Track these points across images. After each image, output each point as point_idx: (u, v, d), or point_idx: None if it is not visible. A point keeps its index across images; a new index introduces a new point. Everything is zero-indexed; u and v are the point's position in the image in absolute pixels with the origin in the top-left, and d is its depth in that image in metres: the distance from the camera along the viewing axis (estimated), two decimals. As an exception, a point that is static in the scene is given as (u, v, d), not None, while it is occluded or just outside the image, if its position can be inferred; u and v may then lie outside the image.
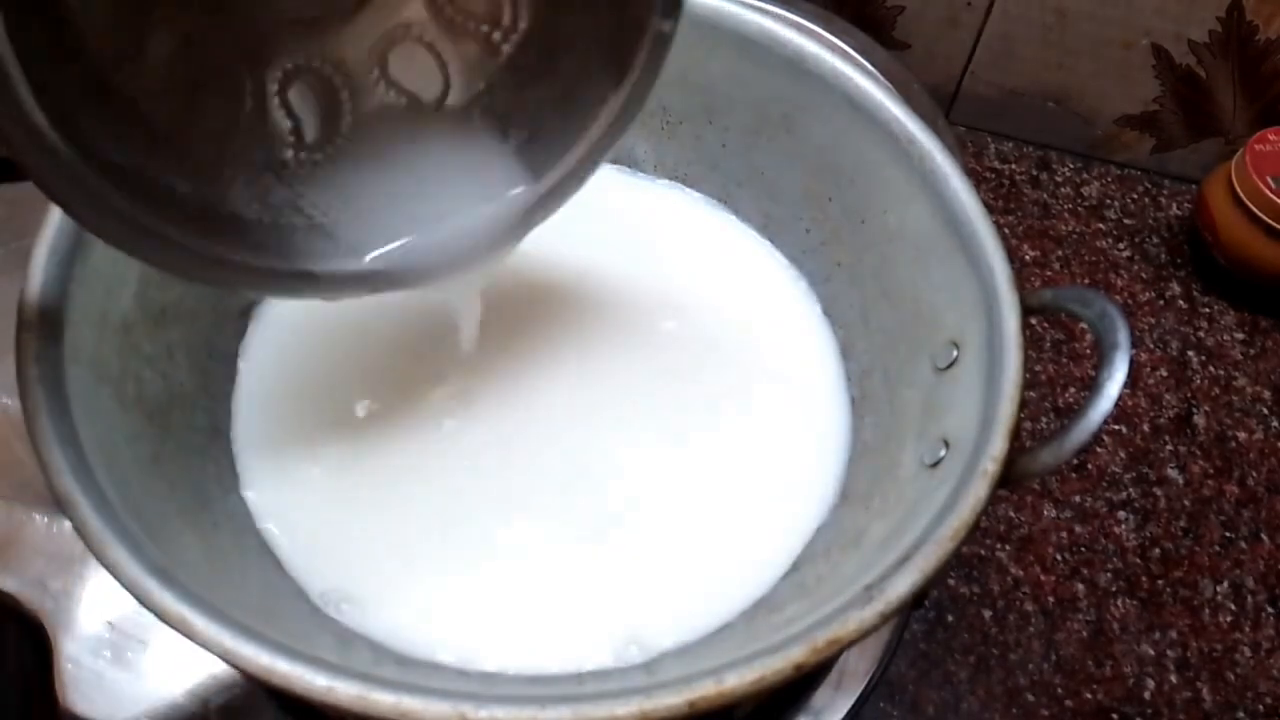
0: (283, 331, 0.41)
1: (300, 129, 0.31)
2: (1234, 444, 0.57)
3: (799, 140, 0.42)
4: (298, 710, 0.39)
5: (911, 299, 0.38)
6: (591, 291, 0.43)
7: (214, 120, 0.30)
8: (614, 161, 0.46)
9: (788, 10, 0.54)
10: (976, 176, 0.67)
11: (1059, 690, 0.48)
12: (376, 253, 0.32)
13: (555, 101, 0.33)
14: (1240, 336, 0.62)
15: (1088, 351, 0.60)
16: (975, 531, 0.28)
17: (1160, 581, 0.52)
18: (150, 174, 0.28)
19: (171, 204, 0.28)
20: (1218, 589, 0.52)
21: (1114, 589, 0.51)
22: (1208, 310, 0.63)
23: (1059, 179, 0.69)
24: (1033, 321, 0.59)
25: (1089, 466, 0.55)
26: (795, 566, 0.36)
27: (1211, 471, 0.56)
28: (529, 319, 0.42)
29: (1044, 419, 0.57)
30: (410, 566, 0.35)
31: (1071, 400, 0.58)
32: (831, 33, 0.58)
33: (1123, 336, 0.29)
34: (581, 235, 0.44)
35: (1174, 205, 0.68)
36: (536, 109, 0.33)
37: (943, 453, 0.32)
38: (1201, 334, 0.62)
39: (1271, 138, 0.60)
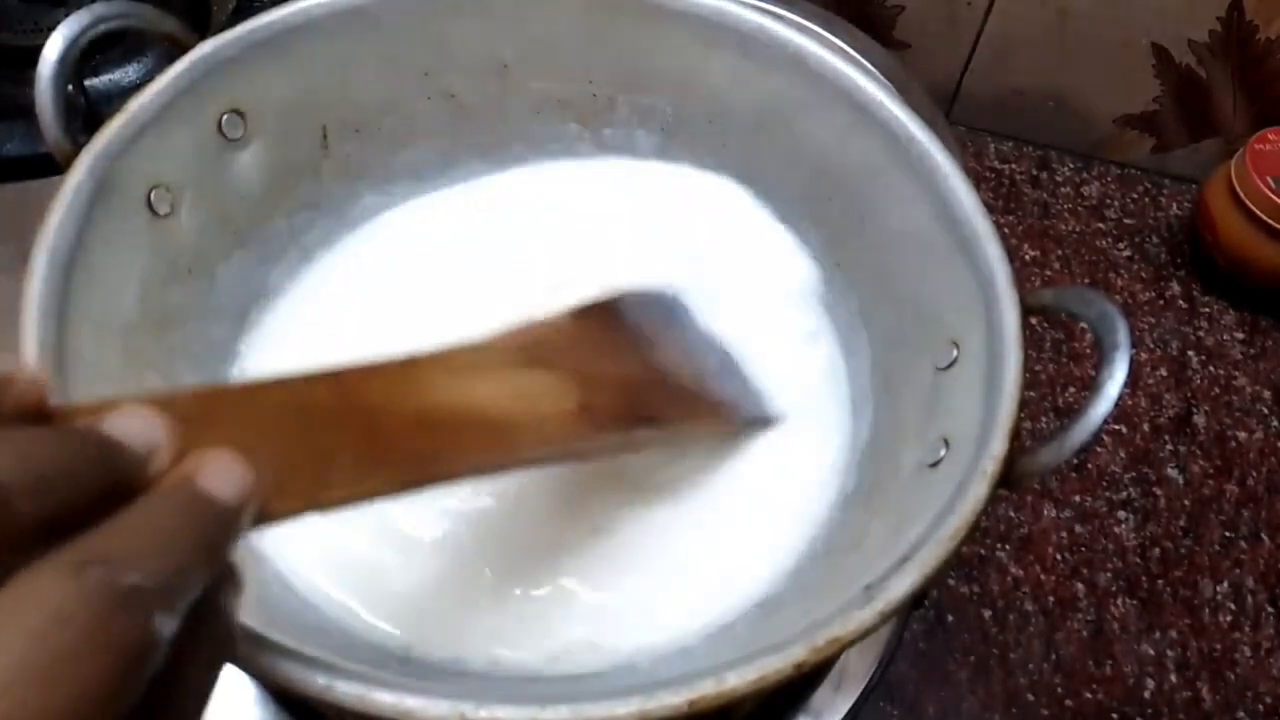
0: (283, 334, 0.41)
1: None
2: (1234, 444, 0.57)
3: (799, 140, 0.42)
4: (298, 710, 0.39)
5: (912, 299, 0.38)
6: (589, 292, 0.43)
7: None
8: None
9: (788, 10, 0.54)
10: (976, 176, 0.67)
11: (1059, 690, 0.48)
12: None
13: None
14: (1240, 336, 0.62)
15: (1088, 351, 0.60)
16: (975, 531, 0.28)
17: (1160, 581, 0.52)
18: None
19: None
20: (1218, 589, 0.52)
21: (1114, 589, 0.51)
22: (1208, 310, 0.63)
23: (1059, 179, 0.69)
24: (1033, 321, 0.59)
25: (1089, 466, 0.55)
26: (796, 566, 0.36)
27: (1211, 471, 0.56)
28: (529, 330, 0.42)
29: (1044, 419, 0.57)
30: (409, 568, 0.35)
31: (1071, 400, 0.58)
32: (831, 33, 0.58)
33: (1123, 337, 0.29)
34: (580, 236, 0.44)
35: (1174, 205, 0.68)
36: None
37: (943, 453, 0.32)
38: (1201, 334, 0.62)
39: (1271, 138, 0.60)
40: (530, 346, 0.31)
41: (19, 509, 0.15)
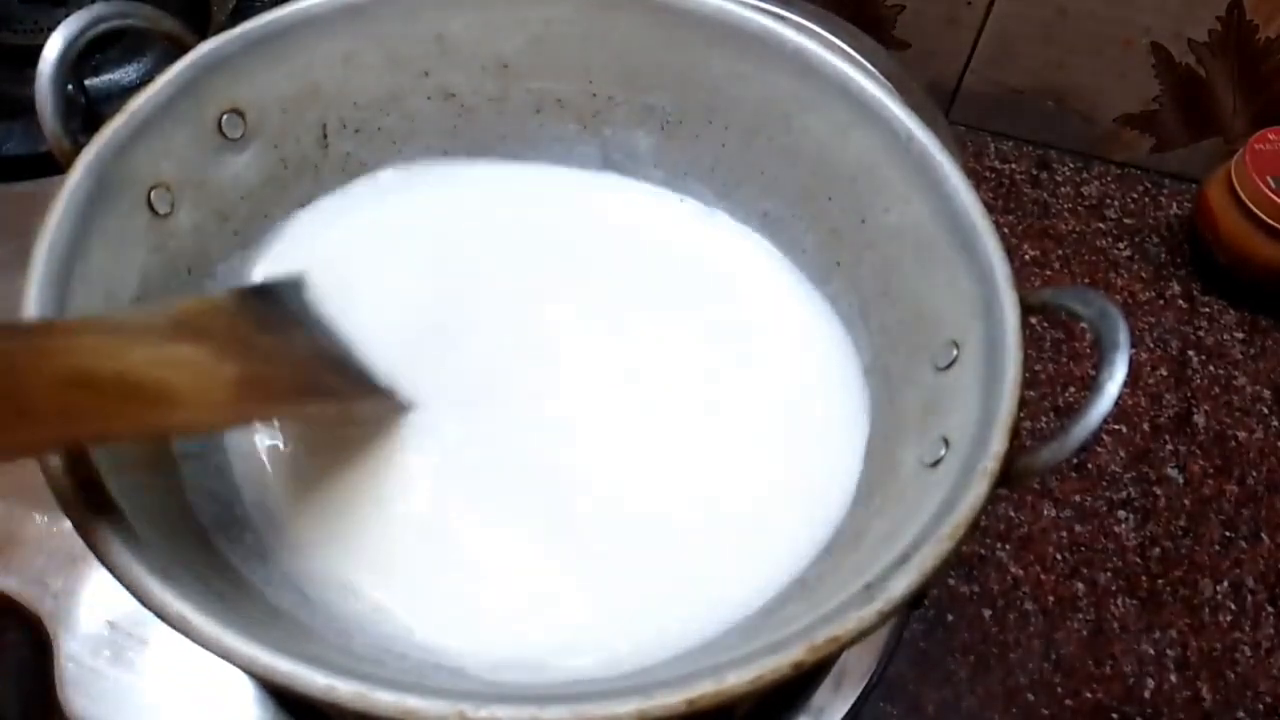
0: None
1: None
2: (1234, 443, 0.57)
3: (799, 139, 0.42)
4: (298, 709, 0.39)
5: (911, 298, 0.38)
6: (589, 293, 0.43)
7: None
8: (612, 163, 0.46)
9: (788, 10, 0.54)
10: (976, 176, 0.67)
11: (1059, 689, 0.48)
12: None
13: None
14: (1240, 336, 0.62)
15: (1088, 351, 0.60)
16: (975, 530, 0.28)
17: (1160, 581, 0.52)
18: None
19: None
20: (1218, 588, 0.52)
21: (1114, 588, 0.51)
22: (1208, 310, 0.63)
23: (1059, 178, 0.69)
24: (1033, 321, 0.59)
25: (1089, 466, 0.55)
26: (795, 568, 0.36)
27: (1211, 471, 0.56)
28: (525, 320, 0.41)
29: (1044, 419, 0.57)
30: (401, 569, 0.35)
31: (1071, 400, 0.58)
32: (831, 32, 0.58)
33: (1122, 336, 0.29)
34: (579, 235, 0.44)
35: (1174, 205, 0.68)
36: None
37: (942, 452, 0.32)
38: (1201, 334, 0.62)
39: (1271, 137, 0.60)
40: (182, 318, 0.31)
41: None
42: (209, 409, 0.29)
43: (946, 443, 0.32)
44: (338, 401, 0.36)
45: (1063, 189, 0.68)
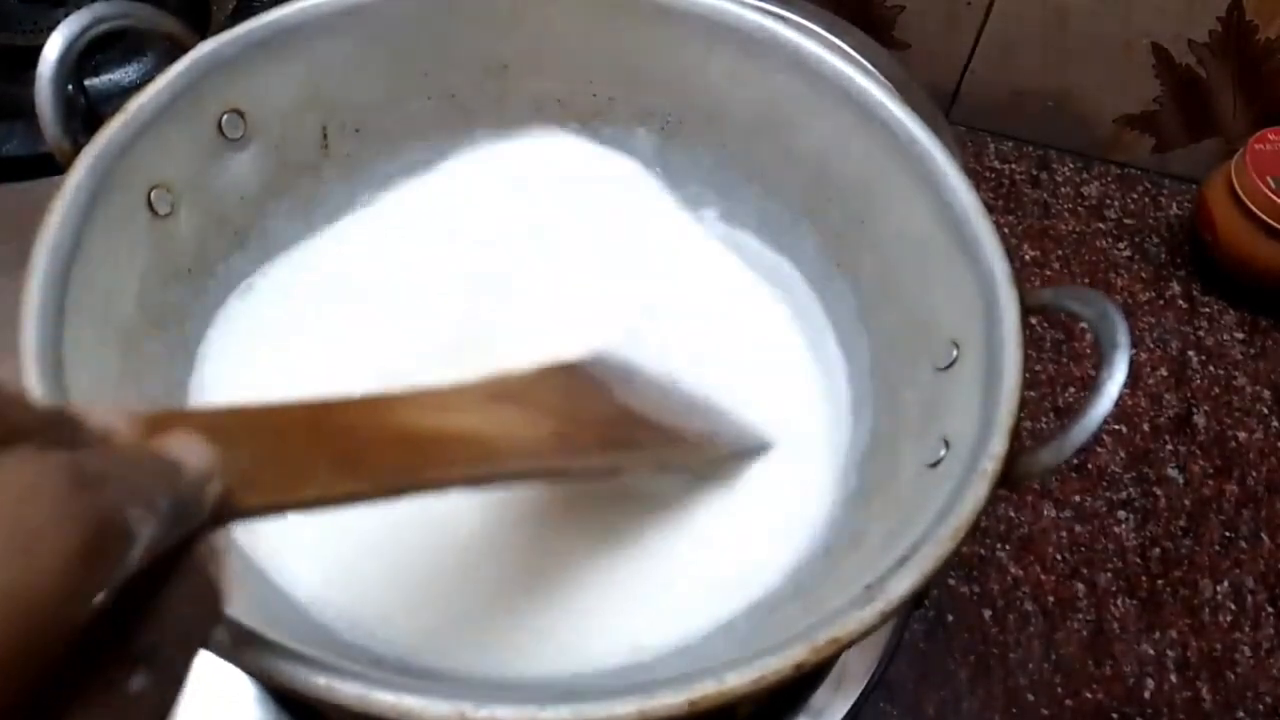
0: (255, 331, 0.40)
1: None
2: (1234, 444, 0.57)
3: (799, 141, 0.42)
4: (298, 710, 0.39)
5: (912, 299, 0.38)
6: (589, 294, 0.43)
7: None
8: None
9: (788, 10, 0.54)
10: (976, 176, 0.67)
11: (1059, 690, 0.48)
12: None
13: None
14: (1240, 336, 0.62)
15: (1088, 351, 0.60)
16: (975, 531, 0.28)
17: (1160, 581, 0.52)
18: None
19: None
20: (1218, 589, 0.52)
21: (1114, 589, 0.51)
22: (1208, 310, 0.63)
23: (1059, 179, 0.69)
24: (1033, 321, 0.59)
25: (1089, 466, 0.55)
26: (795, 567, 0.36)
27: (1211, 471, 0.56)
28: (527, 323, 0.41)
29: (1044, 419, 0.57)
30: (403, 572, 0.35)
31: (1071, 400, 0.58)
32: (832, 33, 0.58)
33: (1123, 336, 0.29)
34: (580, 236, 0.44)
35: (1174, 205, 0.68)
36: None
37: (943, 453, 0.32)
38: (1201, 334, 0.62)
39: (1271, 138, 0.60)
40: (499, 389, 0.33)
41: None
42: (523, 458, 0.31)
43: (947, 443, 0.32)
44: (650, 451, 0.36)
45: (1063, 189, 0.68)
